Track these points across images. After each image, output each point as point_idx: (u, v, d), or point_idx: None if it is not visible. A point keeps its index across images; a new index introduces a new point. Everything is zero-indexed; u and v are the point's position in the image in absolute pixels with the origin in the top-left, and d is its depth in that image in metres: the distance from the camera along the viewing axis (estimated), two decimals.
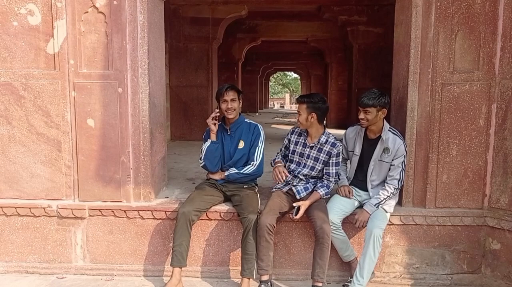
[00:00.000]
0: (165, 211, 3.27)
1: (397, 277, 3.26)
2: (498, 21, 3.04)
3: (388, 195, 3.02)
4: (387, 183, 3.06)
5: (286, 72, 38.56)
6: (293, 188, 3.18)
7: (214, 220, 3.26)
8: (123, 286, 3.17)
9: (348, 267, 3.20)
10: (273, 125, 11.91)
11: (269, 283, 2.96)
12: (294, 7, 8.51)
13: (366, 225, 3.02)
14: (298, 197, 3.13)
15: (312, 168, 3.15)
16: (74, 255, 3.37)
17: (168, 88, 7.40)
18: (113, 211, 3.29)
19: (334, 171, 3.11)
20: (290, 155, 3.27)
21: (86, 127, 3.24)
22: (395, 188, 3.03)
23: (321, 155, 3.11)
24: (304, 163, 3.18)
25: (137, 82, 3.19)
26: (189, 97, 7.62)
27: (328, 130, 3.22)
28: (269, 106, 32.10)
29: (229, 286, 3.19)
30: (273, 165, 3.26)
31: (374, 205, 3.03)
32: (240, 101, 3.28)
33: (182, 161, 5.40)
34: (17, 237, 3.37)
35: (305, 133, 3.20)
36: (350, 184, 3.25)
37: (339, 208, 3.08)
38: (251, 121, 3.36)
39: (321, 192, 3.09)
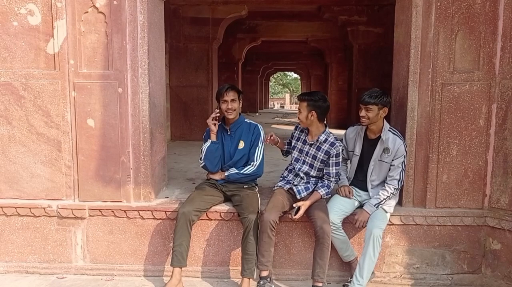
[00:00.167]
0: (165, 211, 3.27)
1: (397, 277, 3.26)
2: (498, 21, 3.04)
3: (388, 195, 3.02)
4: (387, 183, 3.06)
5: (286, 72, 38.57)
6: (293, 188, 3.18)
7: (214, 220, 3.26)
8: (123, 286, 3.17)
9: (348, 267, 3.20)
10: (273, 126, 11.89)
11: (269, 279, 2.98)
12: (294, 7, 8.51)
13: (366, 225, 3.02)
14: (298, 196, 3.13)
15: (311, 166, 3.16)
16: (74, 255, 3.37)
17: (168, 88, 7.39)
18: (113, 211, 3.29)
19: (334, 171, 3.11)
20: (292, 150, 3.30)
21: (86, 127, 3.24)
22: (395, 188, 3.03)
23: (319, 153, 3.11)
24: (303, 160, 3.19)
25: (137, 82, 3.19)
26: (189, 98, 7.62)
27: (329, 130, 3.22)
28: (269, 106, 32.08)
29: (229, 286, 3.19)
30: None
31: (374, 205, 3.03)
32: (240, 101, 3.28)
33: (182, 161, 5.40)
34: (17, 237, 3.37)
35: (306, 131, 3.22)
36: (350, 184, 3.25)
37: (339, 208, 3.08)
38: (251, 121, 3.36)
39: (322, 192, 3.09)
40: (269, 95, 34.76)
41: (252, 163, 3.23)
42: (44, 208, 3.30)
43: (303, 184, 3.19)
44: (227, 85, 3.24)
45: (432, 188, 3.21)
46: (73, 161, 3.28)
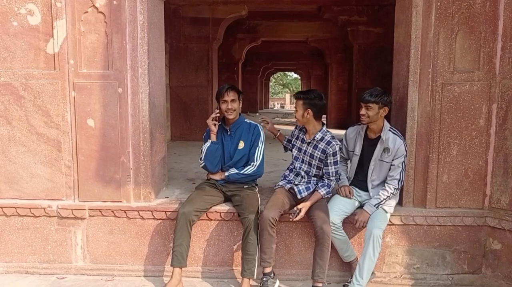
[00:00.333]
0: (165, 211, 3.26)
1: (397, 277, 3.26)
2: (498, 21, 3.04)
3: (388, 195, 3.02)
4: (387, 183, 3.06)
5: (286, 72, 38.56)
6: (294, 187, 3.18)
7: (214, 220, 3.26)
8: (123, 286, 3.17)
9: (348, 267, 3.19)
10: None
11: (272, 274, 3.00)
12: (294, 7, 8.50)
13: (366, 225, 3.02)
14: (299, 196, 3.13)
15: (310, 164, 3.17)
16: (74, 255, 3.36)
17: (168, 88, 7.39)
18: (113, 211, 3.29)
19: (333, 170, 3.11)
20: (292, 149, 3.32)
21: (86, 127, 3.24)
22: (395, 188, 3.03)
23: (317, 151, 3.11)
24: (302, 159, 3.21)
25: (137, 82, 3.19)
26: (189, 98, 7.61)
27: (329, 130, 3.22)
28: (270, 106, 32.09)
29: None
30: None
31: (374, 205, 3.02)
32: (240, 101, 3.27)
33: (182, 161, 5.40)
34: (17, 237, 3.37)
35: (304, 129, 3.22)
36: (350, 184, 3.25)
37: (339, 208, 3.08)
38: (251, 121, 3.36)
39: (322, 191, 3.08)
40: (269, 96, 34.76)
41: (252, 163, 3.23)
42: (44, 208, 3.30)
43: (304, 184, 3.19)
44: (227, 86, 3.24)
45: (432, 188, 3.20)
46: (73, 161, 3.27)
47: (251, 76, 17.67)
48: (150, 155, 3.29)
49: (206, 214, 3.20)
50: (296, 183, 3.22)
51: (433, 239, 3.24)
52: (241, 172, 3.22)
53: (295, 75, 35.38)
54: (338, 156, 3.11)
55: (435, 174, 3.18)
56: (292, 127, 3.49)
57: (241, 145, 3.26)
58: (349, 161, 3.39)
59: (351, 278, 3.03)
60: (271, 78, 32.23)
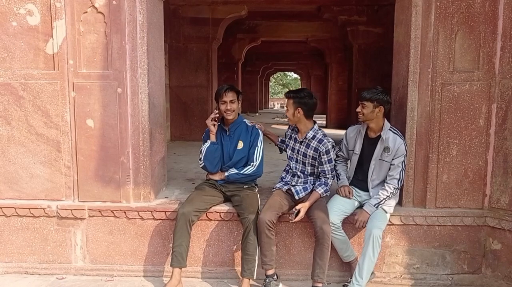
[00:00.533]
0: (165, 212, 3.26)
1: (397, 277, 3.26)
2: (498, 20, 3.04)
3: (388, 195, 3.01)
4: (386, 183, 3.05)
5: (286, 72, 38.54)
6: (292, 188, 3.18)
7: (214, 220, 3.26)
8: None
9: (348, 268, 3.19)
10: (273, 126, 11.91)
11: (275, 276, 2.99)
12: (294, 7, 8.50)
13: (366, 225, 3.01)
14: (296, 197, 3.13)
15: (303, 163, 3.17)
16: (74, 255, 3.36)
17: (168, 88, 7.39)
18: (112, 212, 3.29)
19: (329, 168, 3.11)
20: (286, 149, 3.34)
21: (85, 127, 3.23)
22: (394, 188, 3.03)
23: (309, 150, 3.11)
24: (296, 158, 3.21)
25: (136, 82, 3.19)
26: (189, 98, 7.62)
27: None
28: (269, 106, 32.09)
29: None
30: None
31: (374, 205, 3.02)
32: (239, 102, 3.27)
33: (182, 161, 5.40)
34: (16, 237, 3.37)
35: (296, 129, 3.22)
36: (350, 184, 3.25)
37: (339, 208, 3.08)
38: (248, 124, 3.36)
39: (320, 190, 3.08)
40: (269, 96, 34.76)
41: (251, 163, 3.23)
42: (43, 209, 3.29)
43: (301, 184, 3.18)
44: (226, 86, 3.23)
45: (432, 188, 3.20)
46: (72, 161, 3.27)
47: (251, 76, 17.69)
48: (150, 155, 3.29)
49: (206, 214, 3.20)
50: (293, 183, 3.21)
51: (433, 239, 3.24)
52: (241, 172, 3.21)
53: (295, 75, 35.37)
54: (332, 153, 3.10)
55: (434, 173, 3.18)
56: None
57: (240, 145, 3.25)
58: (349, 160, 3.39)
59: (351, 278, 3.03)
60: (271, 78, 32.25)
